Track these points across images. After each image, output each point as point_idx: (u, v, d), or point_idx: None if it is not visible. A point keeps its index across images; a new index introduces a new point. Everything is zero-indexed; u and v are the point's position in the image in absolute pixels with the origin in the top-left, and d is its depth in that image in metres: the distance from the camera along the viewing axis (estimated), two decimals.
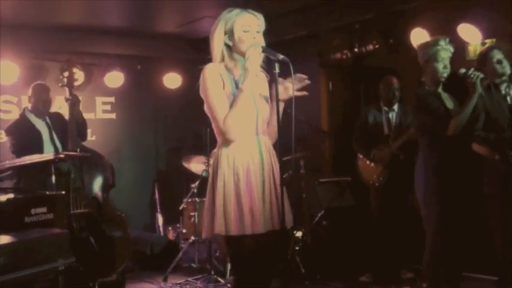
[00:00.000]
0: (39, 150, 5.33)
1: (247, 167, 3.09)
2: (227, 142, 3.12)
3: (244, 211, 3.04)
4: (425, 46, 4.23)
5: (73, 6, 6.05)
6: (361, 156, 5.76)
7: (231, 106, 3.07)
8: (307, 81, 3.14)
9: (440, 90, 4.22)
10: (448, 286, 4.13)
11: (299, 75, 3.11)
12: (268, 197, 3.12)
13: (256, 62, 3.08)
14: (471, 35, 5.12)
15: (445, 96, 4.22)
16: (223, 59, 3.18)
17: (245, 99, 3.08)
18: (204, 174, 6.12)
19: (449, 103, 4.19)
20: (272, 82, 3.15)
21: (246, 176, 3.08)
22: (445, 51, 4.12)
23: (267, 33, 3.26)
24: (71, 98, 5.35)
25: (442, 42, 4.12)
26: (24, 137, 5.38)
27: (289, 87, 3.12)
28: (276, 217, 3.09)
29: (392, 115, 5.64)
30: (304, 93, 3.14)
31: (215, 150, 3.24)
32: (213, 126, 3.19)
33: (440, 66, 4.11)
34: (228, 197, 3.06)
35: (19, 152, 5.20)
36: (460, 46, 5.03)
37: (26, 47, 6.59)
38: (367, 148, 5.63)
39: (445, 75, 4.13)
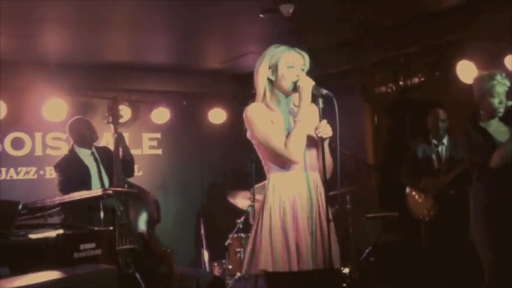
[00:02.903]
0: (87, 185, 5.39)
1: (293, 201, 3.08)
2: (274, 177, 3.13)
3: (290, 247, 3.01)
4: (481, 80, 4.14)
5: (119, 44, 6.19)
6: (410, 190, 5.67)
7: (288, 136, 3.09)
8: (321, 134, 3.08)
9: (494, 123, 4.11)
10: None
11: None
12: (315, 234, 3.08)
13: (309, 91, 3.08)
14: None
15: (499, 129, 4.10)
16: (264, 96, 3.20)
17: (302, 128, 3.09)
18: (249, 209, 6.11)
19: (502, 136, 4.07)
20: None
21: (292, 211, 3.07)
22: (501, 85, 4.04)
23: (311, 67, 3.27)
24: (116, 134, 5.43)
25: (498, 77, 4.05)
26: (73, 173, 5.44)
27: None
28: (323, 255, 3.05)
29: (442, 149, 5.56)
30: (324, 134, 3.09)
31: (260, 184, 3.24)
32: (266, 159, 3.19)
33: (496, 101, 4.03)
34: (275, 230, 3.04)
35: (66, 188, 5.23)
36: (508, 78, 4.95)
37: (74, 84, 6.74)
38: (417, 181, 5.55)
39: (501, 109, 4.05)
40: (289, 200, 3.09)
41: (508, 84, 4.07)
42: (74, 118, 5.79)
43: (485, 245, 4.00)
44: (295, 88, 3.14)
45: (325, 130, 3.06)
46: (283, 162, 3.13)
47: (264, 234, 3.06)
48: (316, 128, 3.08)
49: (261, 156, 3.24)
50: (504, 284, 3.95)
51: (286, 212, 3.06)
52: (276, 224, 3.05)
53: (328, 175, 3.18)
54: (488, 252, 3.98)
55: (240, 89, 7.48)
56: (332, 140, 3.16)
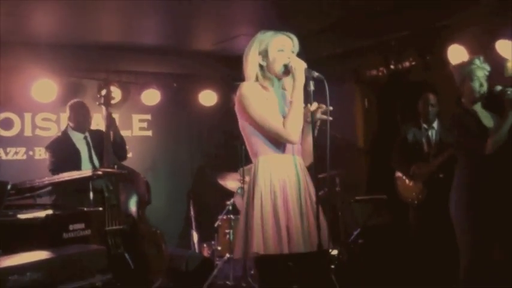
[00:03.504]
0: (77, 168, 5.38)
1: (283, 184, 3.10)
2: (264, 160, 3.14)
3: (281, 229, 3.03)
4: (460, 66, 4.20)
5: (110, 25, 6.15)
6: (399, 174, 5.70)
7: (286, 116, 3.10)
8: (325, 117, 3.12)
9: (478, 108, 4.15)
10: None
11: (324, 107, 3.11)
12: (306, 216, 3.10)
13: (302, 72, 3.09)
14: (509, 51, 5.05)
15: (483, 114, 4.15)
16: (257, 80, 3.20)
17: (299, 108, 3.10)
18: (239, 191, 6.12)
19: (488, 121, 4.12)
20: (306, 100, 3.16)
21: (283, 194, 3.09)
22: (481, 69, 4.08)
23: (302, 51, 3.28)
24: (107, 116, 5.42)
25: (477, 61, 4.08)
26: (64, 155, 5.45)
27: (321, 107, 3.12)
28: (314, 237, 3.07)
29: (432, 133, 5.57)
30: (325, 117, 3.12)
31: (249, 166, 3.24)
32: (254, 141, 3.19)
33: (476, 84, 4.07)
34: (266, 214, 3.05)
35: (57, 170, 5.24)
36: (498, 63, 4.96)
37: (64, 65, 6.70)
38: (406, 165, 5.57)
39: (482, 93, 4.08)
40: (280, 183, 3.10)
41: (488, 68, 4.11)
42: (74, 101, 5.77)
43: (467, 226, 4.04)
44: (287, 71, 3.14)
45: (326, 113, 3.08)
46: (277, 144, 3.13)
47: (256, 217, 3.07)
48: (316, 110, 3.09)
49: (247, 138, 3.23)
50: (483, 265, 4.00)
51: (277, 195, 3.08)
52: (267, 207, 3.06)
53: (310, 160, 3.21)
54: (469, 233, 4.02)
55: (231, 71, 7.46)
56: (323, 122, 3.17)
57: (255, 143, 3.19)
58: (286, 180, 3.11)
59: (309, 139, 3.16)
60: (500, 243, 4.06)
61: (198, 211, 7.61)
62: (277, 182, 3.09)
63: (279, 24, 3.34)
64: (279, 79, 3.24)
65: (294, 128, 3.07)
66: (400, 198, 5.73)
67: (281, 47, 3.16)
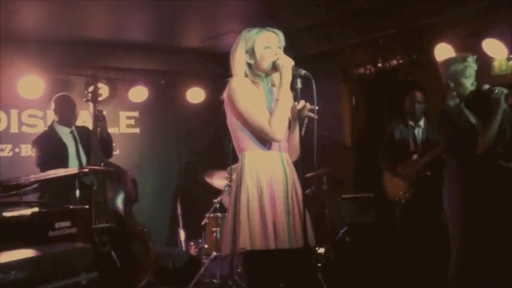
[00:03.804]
0: (65, 163, 5.36)
1: (270, 180, 3.10)
2: (250, 156, 3.14)
3: (268, 226, 3.04)
4: (453, 61, 4.18)
5: (98, 21, 6.12)
6: (386, 172, 5.71)
7: (272, 114, 3.10)
8: (312, 115, 3.11)
9: (462, 106, 4.17)
10: None
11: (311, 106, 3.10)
12: (292, 213, 3.11)
13: (289, 70, 3.08)
14: (496, 50, 5.08)
15: (467, 111, 4.17)
16: (246, 76, 3.20)
17: (285, 106, 3.10)
18: (226, 189, 6.12)
19: (473, 119, 4.15)
20: (294, 98, 3.17)
21: (269, 190, 3.09)
22: (472, 68, 4.09)
23: (289, 49, 3.27)
24: (97, 114, 5.40)
25: (470, 59, 4.10)
26: (50, 150, 5.41)
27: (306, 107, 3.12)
28: (299, 234, 3.09)
29: (419, 131, 5.59)
30: (312, 115, 3.11)
31: (237, 164, 3.24)
32: (240, 136, 3.18)
33: (468, 82, 4.08)
34: (252, 209, 3.06)
35: (44, 164, 5.23)
36: (485, 61, 4.99)
37: (51, 61, 6.65)
38: (393, 164, 5.59)
39: (471, 91, 4.09)
40: (266, 179, 3.10)
41: (476, 68, 4.13)
42: (60, 94, 5.74)
43: (460, 226, 4.04)
44: (275, 67, 3.14)
45: (312, 111, 3.08)
46: (263, 141, 3.13)
47: (242, 213, 3.07)
48: (303, 108, 3.09)
49: (234, 133, 3.22)
50: (475, 267, 4.02)
51: (263, 191, 3.08)
52: (253, 203, 3.07)
53: (296, 157, 3.21)
54: (463, 233, 4.03)
55: (219, 69, 7.45)
56: (310, 121, 3.17)
57: (241, 138, 3.19)
58: (272, 177, 3.11)
59: (296, 135, 3.17)
60: (494, 244, 4.07)
61: (185, 209, 7.61)
62: (264, 178, 3.10)
63: (267, 21, 3.33)
64: (267, 76, 3.24)
65: (279, 126, 3.07)
66: (387, 197, 5.74)
67: (267, 43, 3.16)
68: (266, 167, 3.12)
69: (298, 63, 3.14)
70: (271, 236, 3.04)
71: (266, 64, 3.15)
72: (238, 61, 3.19)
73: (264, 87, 3.23)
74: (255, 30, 3.20)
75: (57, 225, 3.67)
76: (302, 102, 3.10)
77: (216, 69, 7.40)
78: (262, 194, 3.08)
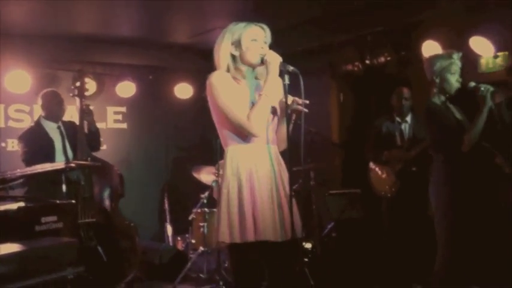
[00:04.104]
0: (51, 158, 5.33)
1: (250, 174, 3.12)
2: (232, 150, 3.17)
3: (246, 218, 3.06)
4: (439, 58, 4.20)
5: (86, 16, 6.09)
6: (373, 166, 5.74)
7: (252, 108, 3.10)
8: (301, 108, 3.13)
9: (448, 102, 4.19)
10: None
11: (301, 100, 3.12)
12: (278, 206, 3.12)
13: (277, 66, 3.10)
14: (483, 47, 5.11)
15: (453, 108, 4.19)
16: (228, 69, 3.20)
17: (267, 103, 3.11)
18: (213, 184, 6.12)
19: (459, 115, 4.17)
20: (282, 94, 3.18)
21: (248, 183, 3.11)
22: (457, 65, 4.12)
23: (277, 46, 3.28)
24: (84, 107, 5.38)
25: (455, 56, 4.12)
26: (37, 145, 5.38)
27: (296, 101, 3.14)
28: (286, 227, 3.11)
29: (405, 126, 5.63)
30: (301, 108, 3.13)
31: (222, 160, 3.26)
32: (225, 130, 3.20)
33: (454, 78, 4.10)
34: (232, 202, 3.09)
35: (30, 160, 5.20)
36: (472, 59, 5.02)
37: (39, 56, 6.63)
38: (379, 153, 5.62)
39: (456, 88, 4.12)
40: (246, 172, 3.12)
41: (460, 65, 4.15)
42: (48, 90, 5.71)
43: (446, 222, 4.06)
44: (262, 62, 3.15)
45: (301, 106, 3.10)
46: (244, 135, 3.14)
47: (222, 206, 3.11)
48: (292, 103, 3.10)
49: (218, 128, 3.24)
50: (461, 264, 4.04)
51: (242, 185, 3.10)
52: (233, 196, 3.10)
53: (284, 146, 3.22)
54: (449, 229, 4.04)
55: (207, 64, 7.40)
56: (298, 116, 3.19)
57: (224, 133, 3.21)
58: (253, 170, 3.12)
59: (283, 128, 3.19)
60: (479, 240, 4.10)
61: (172, 204, 7.60)
62: (244, 172, 3.11)
63: (255, 17, 3.33)
64: (253, 69, 3.25)
65: (257, 121, 3.08)
66: (373, 191, 5.77)
67: (254, 37, 3.17)
68: (247, 160, 3.14)
69: (287, 60, 3.15)
70: (251, 228, 3.06)
71: (252, 56, 3.16)
72: (223, 52, 3.20)
73: (247, 82, 3.24)
74: (242, 24, 3.21)
75: (43, 219, 3.66)
76: (290, 98, 3.11)
77: (204, 65, 7.34)
78: (242, 187, 3.10)
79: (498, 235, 4.27)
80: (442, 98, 4.18)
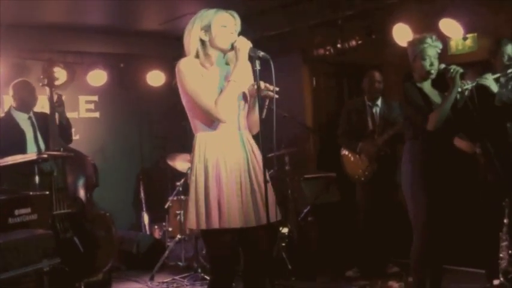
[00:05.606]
0: (22, 149, 5.27)
1: (216, 161, 3.13)
2: (200, 137, 3.18)
3: (211, 205, 3.08)
4: (412, 44, 4.22)
5: (55, 4, 6.00)
6: (345, 151, 5.78)
7: (219, 94, 3.10)
8: (272, 94, 3.14)
9: (427, 86, 4.21)
10: (433, 280, 4.15)
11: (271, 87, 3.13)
12: (252, 192, 3.14)
13: (246, 52, 3.10)
14: (453, 29, 5.16)
15: (432, 92, 4.21)
16: (197, 55, 3.19)
17: (235, 88, 3.12)
18: (188, 172, 6.10)
19: (437, 99, 4.18)
20: (253, 79, 3.18)
21: (215, 170, 3.12)
22: (432, 48, 4.12)
23: (248, 31, 3.27)
24: (56, 99, 5.32)
25: (428, 40, 4.13)
26: (8, 136, 5.30)
27: (267, 87, 3.15)
28: (259, 212, 3.12)
29: (376, 110, 5.67)
30: (272, 94, 3.14)
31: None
32: (194, 117, 3.20)
33: (426, 63, 4.11)
34: (199, 190, 3.11)
35: (1, 152, 5.13)
36: (442, 41, 5.06)
37: (8, 45, 6.51)
38: (353, 142, 5.65)
39: (432, 71, 4.13)
40: (213, 159, 3.13)
41: (440, 46, 4.16)
42: (19, 80, 5.62)
43: (421, 206, 4.10)
44: (232, 47, 3.15)
45: (272, 92, 3.11)
46: (211, 121, 3.15)
47: (191, 194, 3.13)
48: (263, 89, 3.10)
49: (189, 115, 3.24)
50: (437, 244, 4.09)
51: (208, 171, 3.11)
52: (200, 184, 3.11)
53: (257, 130, 3.24)
54: (425, 213, 4.08)
55: (179, 51, 7.36)
56: (270, 101, 3.19)
57: (194, 120, 3.21)
58: (220, 157, 3.13)
59: (255, 113, 3.20)
60: (450, 220, 4.15)
61: (148, 193, 7.57)
62: (210, 158, 3.12)
63: (226, 3, 3.33)
64: (224, 55, 3.24)
65: (224, 106, 3.08)
66: (347, 176, 5.81)
67: (224, 23, 3.17)
68: (215, 147, 3.14)
69: (258, 44, 3.14)
70: (216, 216, 3.07)
71: (221, 42, 3.16)
72: (193, 37, 3.19)
73: (217, 67, 3.23)
74: (213, 10, 3.21)
75: (16, 212, 3.63)
76: (261, 84, 3.11)
77: (175, 51, 7.31)
78: (208, 174, 3.11)
79: (465, 213, 4.35)
80: (419, 81, 4.20)
